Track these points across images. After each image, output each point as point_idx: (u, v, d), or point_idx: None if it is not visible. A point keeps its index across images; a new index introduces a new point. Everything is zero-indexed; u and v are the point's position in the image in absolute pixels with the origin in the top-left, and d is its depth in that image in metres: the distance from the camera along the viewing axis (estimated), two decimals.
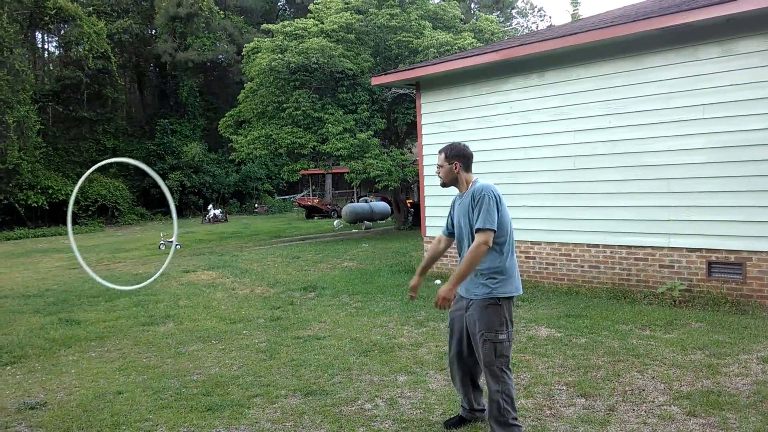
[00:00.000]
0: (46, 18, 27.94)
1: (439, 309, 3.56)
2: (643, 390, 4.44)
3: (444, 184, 3.80)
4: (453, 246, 3.94)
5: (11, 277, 12.25)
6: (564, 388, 4.56)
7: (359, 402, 4.45)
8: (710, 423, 3.83)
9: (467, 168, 3.73)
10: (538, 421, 3.98)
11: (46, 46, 37.97)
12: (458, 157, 3.71)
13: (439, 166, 3.76)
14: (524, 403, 4.28)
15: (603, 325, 6.28)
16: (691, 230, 7.18)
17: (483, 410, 3.91)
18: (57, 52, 37.14)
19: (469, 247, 3.50)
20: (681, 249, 7.27)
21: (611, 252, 7.88)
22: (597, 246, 8.02)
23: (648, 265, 7.55)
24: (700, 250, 7.13)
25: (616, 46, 7.63)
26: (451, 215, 3.89)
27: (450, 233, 3.92)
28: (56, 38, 35.07)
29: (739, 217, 6.82)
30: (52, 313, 8.22)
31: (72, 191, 25.03)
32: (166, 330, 7.03)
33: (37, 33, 33.69)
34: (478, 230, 3.43)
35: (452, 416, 4.02)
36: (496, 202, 3.49)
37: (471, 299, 3.61)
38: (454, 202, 3.86)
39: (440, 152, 3.78)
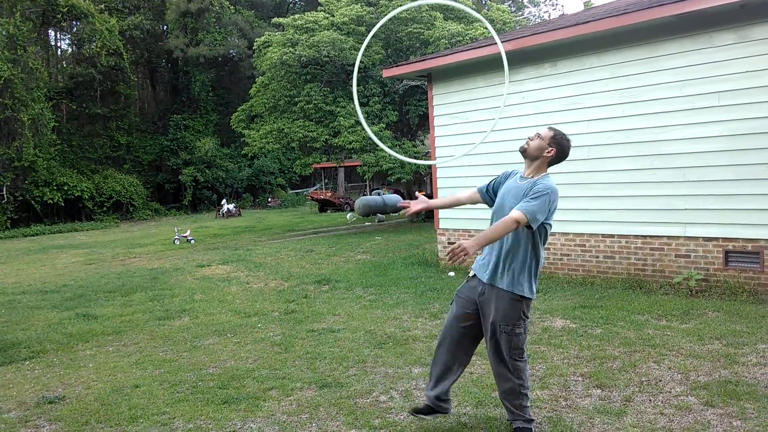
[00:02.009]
0: (59, 16, 28.10)
1: (450, 258, 3.23)
2: (660, 380, 4.42)
3: (523, 151, 3.56)
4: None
5: (29, 274, 12.39)
6: (580, 379, 4.55)
7: (374, 394, 4.46)
8: (728, 413, 3.80)
9: (552, 163, 3.58)
10: (554, 412, 3.97)
11: (59, 44, 38.26)
12: (559, 147, 3.54)
13: (537, 136, 3.54)
14: (540, 394, 4.27)
15: (619, 315, 6.24)
16: (707, 219, 7.12)
17: (449, 401, 3.79)
18: (70, 50, 37.41)
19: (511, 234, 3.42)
20: (697, 238, 7.21)
21: (626, 242, 7.83)
22: (612, 236, 7.96)
23: (664, 254, 7.49)
24: (716, 239, 7.06)
25: (629, 34, 7.55)
26: (496, 184, 3.74)
27: (485, 196, 3.80)
28: (69, 36, 35.28)
29: (756, 206, 6.74)
30: (69, 308, 8.31)
31: (87, 187, 25.05)
32: (181, 324, 7.08)
33: (50, 31, 33.92)
34: (520, 211, 3.30)
35: (421, 406, 3.84)
36: (552, 206, 3.41)
37: (494, 286, 3.52)
38: (507, 175, 3.71)
39: (550, 129, 3.58)
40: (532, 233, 3.44)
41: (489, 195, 3.79)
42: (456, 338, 3.70)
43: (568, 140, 3.60)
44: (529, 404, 3.63)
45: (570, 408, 4.03)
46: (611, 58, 7.80)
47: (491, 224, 3.49)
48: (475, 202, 3.93)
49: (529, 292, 3.49)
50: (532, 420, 3.62)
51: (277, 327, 6.67)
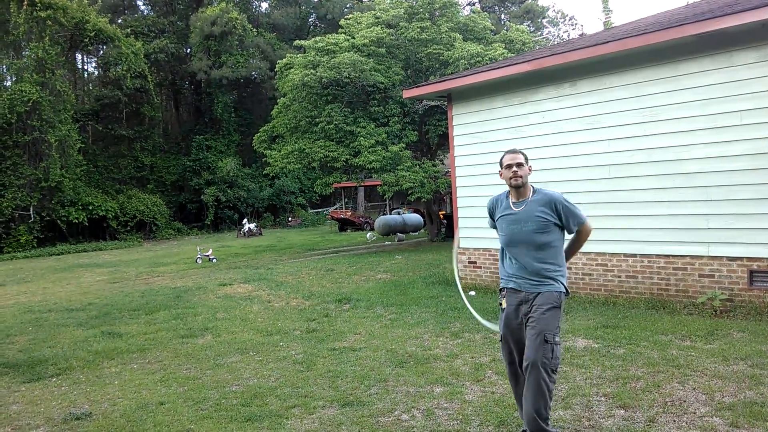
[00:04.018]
0: (86, 40, 28.80)
1: None
2: (684, 401, 4.37)
3: (519, 186, 3.78)
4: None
5: (55, 292, 12.60)
6: (603, 399, 4.52)
7: (396, 413, 4.47)
8: None
9: None
10: None
11: (86, 67, 39.18)
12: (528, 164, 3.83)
13: (522, 165, 3.77)
14: (562, 414, 4.25)
15: (642, 335, 6.19)
16: (731, 238, 7.05)
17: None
18: (96, 73, 38.31)
19: (528, 246, 3.71)
20: (721, 258, 7.14)
21: (649, 261, 7.77)
22: (634, 256, 7.91)
23: (687, 274, 7.42)
24: (740, 258, 6.99)
25: (649, 54, 7.57)
26: (492, 215, 3.99)
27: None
28: (95, 59, 36.16)
29: None
30: (94, 326, 8.43)
31: (112, 207, 25.45)
32: (204, 342, 7.15)
33: (77, 54, 34.74)
34: (582, 225, 3.82)
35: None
36: None
37: (537, 292, 3.69)
38: (493, 207, 3.97)
39: (519, 152, 3.81)
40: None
41: (490, 223, 4.07)
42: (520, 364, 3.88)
43: None
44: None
45: (593, 428, 4.00)
46: (632, 77, 7.81)
47: (512, 247, 3.82)
48: None
49: (565, 284, 3.81)
50: None
51: (299, 345, 6.72)
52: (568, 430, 3.98)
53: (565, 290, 3.74)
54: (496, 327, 4.06)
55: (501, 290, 3.89)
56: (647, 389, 4.65)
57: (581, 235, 3.87)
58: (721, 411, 4.14)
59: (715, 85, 7.09)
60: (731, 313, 6.86)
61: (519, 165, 3.74)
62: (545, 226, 3.70)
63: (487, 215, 4.05)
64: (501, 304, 3.85)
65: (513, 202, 3.83)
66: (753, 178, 6.85)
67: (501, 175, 3.85)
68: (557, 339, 3.59)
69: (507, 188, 3.90)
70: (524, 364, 3.63)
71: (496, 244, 4.02)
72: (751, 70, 6.81)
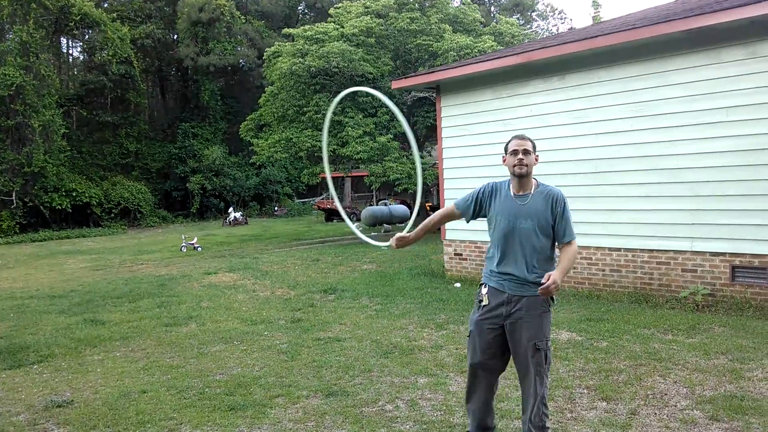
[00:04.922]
0: (71, 24, 28.38)
1: (548, 293, 3.18)
2: (666, 394, 4.42)
3: (523, 175, 3.42)
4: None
5: (37, 278, 12.47)
6: (585, 391, 4.55)
7: (380, 403, 4.48)
8: (733, 428, 3.80)
9: None
10: (559, 424, 3.98)
11: (70, 52, 38.62)
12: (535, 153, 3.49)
13: (529, 153, 3.43)
14: None
15: (624, 329, 6.25)
16: (714, 234, 7.12)
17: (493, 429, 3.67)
18: (81, 57, 37.75)
19: (523, 246, 3.38)
20: (704, 253, 7.20)
21: (633, 256, 7.83)
22: (618, 250, 7.97)
23: (670, 269, 7.49)
24: (723, 254, 7.06)
25: (638, 49, 7.59)
26: (480, 200, 3.58)
27: (467, 209, 3.64)
28: (81, 43, 35.65)
29: (764, 221, 6.74)
30: (77, 313, 8.36)
31: (95, 193, 25.24)
32: (188, 331, 7.12)
33: (62, 38, 34.22)
34: (571, 241, 3.44)
35: None
36: None
37: (522, 295, 3.37)
38: (491, 193, 3.55)
39: (527, 139, 3.47)
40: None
41: (474, 208, 3.63)
42: (491, 367, 3.59)
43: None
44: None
45: (575, 420, 4.04)
46: (620, 72, 7.84)
47: (504, 243, 3.45)
48: (450, 220, 3.79)
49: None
50: None
51: (284, 335, 6.70)
52: (550, 423, 4.00)
53: (552, 297, 3.41)
54: (383, 244, 3.73)
55: (482, 285, 3.56)
56: (629, 382, 4.69)
57: (570, 254, 3.42)
58: (702, 404, 4.19)
59: (703, 82, 7.13)
60: (713, 307, 6.93)
61: (526, 152, 3.40)
62: (546, 226, 3.40)
63: (474, 200, 3.60)
64: (481, 301, 3.51)
65: (515, 194, 3.46)
66: (738, 175, 6.91)
67: (504, 162, 3.50)
68: (549, 345, 3.39)
69: (499, 181, 3.60)
70: (518, 373, 3.44)
71: (483, 237, 3.94)
72: (738, 66, 6.86)
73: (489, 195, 3.57)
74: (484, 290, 3.52)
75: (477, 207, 3.62)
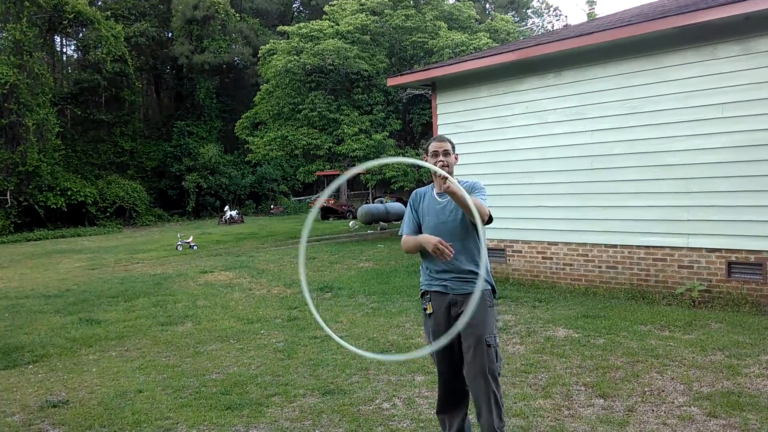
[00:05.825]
0: (65, 22, 28.28)
1: (448, 189, 3.07)
2: (663, 391, 4.42)
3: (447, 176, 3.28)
4: None
5: (32, 278, 12.42)
6: (582, 388, 4.55)
7: (377, 401, 4.47)
8: (731, 424, 3.80)
9: None
10: (556, 421, 3.97)
11: (64, 50, 38.42)
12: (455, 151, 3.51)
13: (449, 153, 3.45)
14: (542, 403, 4.27)
15: (621, 325, 6.25)
16: (710, 230, 7.12)
17: None
18: (75, 56, 37.57)
19: (454, 245, 3.31)
20: (700, 249, 7.21)
21: (629, 252, 7.83)
22: (615, 246, 7.97)
23: (667, 265, 7.49)
24: (719, 250, 7.07)
25: (633, 45, 7.58)
26: (418, 212, 3.57)
27: (416, 230, 3.57)
28: (75, 42, 35.48)
29: (760, 217, 6.74)
30: (72, 313, 8.32)
31: (90, 192, 25.02)
32: (184, 330, 7.09)
33: (56, 37, 34.05)
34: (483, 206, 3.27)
35: None
36: None
37: (466, 293, 3.34)
38: (419, 200, 3.58)
39: (446, 140, 3.49)
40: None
41: (417, 220, 3.59)
42: (458, 374, 3.55)
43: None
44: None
45: (572, 417, 4.03)
46: (615, 69, 7.83)
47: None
48: (419, 247, 3.53)
49: (493, 285, 3.48)
50: None
51: (280, 334, 6.68)
52: (548, 420, 4.00)
53: (492, 288, 3.46)
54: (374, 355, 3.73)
55: (423, 294, 3.55)
56: (626, 379, 4.69)
57: (477, 200, 3.26)
58: (699, 400, 4.19)
59: (698, 78, 7.13)
60: (709, 303, 6.94)
61: (446, 153, 3.43)
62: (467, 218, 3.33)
63: (413, 213, 3.59)
64: (426, 310, 3.51)
65: (438, 193, 3.50)
66: (733, 171, 6.91)
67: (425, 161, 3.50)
68: (497, 341, 3.38)
69: (422, 188, 3.65)
70: (467, 374, 3.38)
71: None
72: (733, 63, 6.85)
73: (419, 202, 3.61)
74: (426, 298, 3.54)
75: (418, 217, 3.60)
